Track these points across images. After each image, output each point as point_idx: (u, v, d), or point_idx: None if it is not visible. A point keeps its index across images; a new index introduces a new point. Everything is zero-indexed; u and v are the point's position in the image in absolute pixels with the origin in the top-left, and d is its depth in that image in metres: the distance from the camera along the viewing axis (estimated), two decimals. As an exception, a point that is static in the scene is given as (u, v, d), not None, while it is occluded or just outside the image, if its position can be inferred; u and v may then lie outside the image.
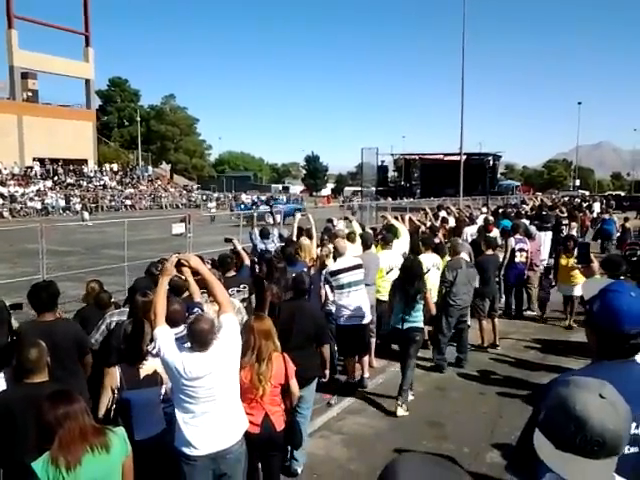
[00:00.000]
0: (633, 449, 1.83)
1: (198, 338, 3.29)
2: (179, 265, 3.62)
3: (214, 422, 3.33)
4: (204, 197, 55.13)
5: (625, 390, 1.86)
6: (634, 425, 1.83)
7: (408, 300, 6.21)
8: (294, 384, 4.05)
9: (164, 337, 3.35)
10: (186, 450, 3.30)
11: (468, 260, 8.04)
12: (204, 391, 3.28)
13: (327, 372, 5.28)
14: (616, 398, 1.40)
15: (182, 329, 3.71)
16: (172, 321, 3.53)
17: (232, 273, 6.53)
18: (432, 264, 7.85)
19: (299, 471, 4.88)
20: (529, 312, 10.41)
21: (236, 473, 3.46)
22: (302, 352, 4.74)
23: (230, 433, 3.40)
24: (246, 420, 3.61)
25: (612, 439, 1.36)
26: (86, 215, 33.21)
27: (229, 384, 3.43)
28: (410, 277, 6.23)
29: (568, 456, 1.39)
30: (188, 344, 3.36)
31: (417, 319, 6.30)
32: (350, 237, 8.16)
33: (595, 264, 6.44)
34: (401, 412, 6.08)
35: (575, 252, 8.36)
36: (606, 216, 18.52)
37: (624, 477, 1.78)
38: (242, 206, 36.30)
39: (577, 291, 9.10)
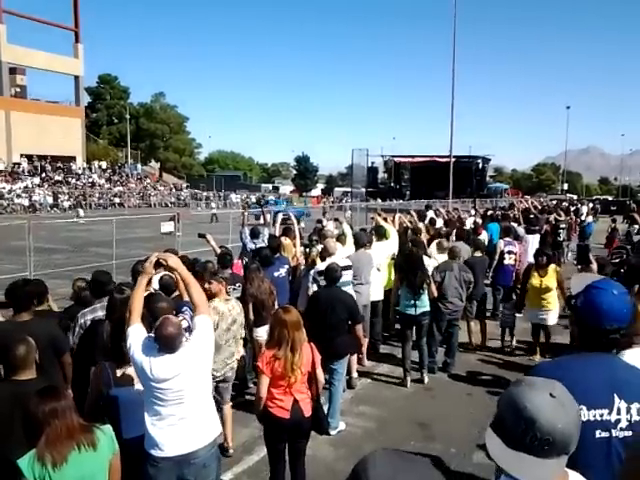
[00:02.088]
0: (604, 434, 1.91)
1: (165, 341, 3.24)
2: (158, 265, 3.59)
3: (181, 425, 3.28)
4: (197, 196, 55.06)
5: (599, 378, 1.95)
6: (607, 411, 1.91)
7: (415, 289, 6.91)
8: (320, 372, 4.27)
9: (135, 336, 3.30)
10: (152, 452, 3.26)
11: (462, 264, 7.98)
12: (172, 393, 3.23)
13: (363, 347, 6.19)
14: (566, 397, 1.43)
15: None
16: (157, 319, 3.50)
17: (229, 271, 6.56)
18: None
19: (334, 433, 5.55)
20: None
21: (203, 479, 3.39)
22: (336, 332, 5.66)
23: (198, 437, 3.34)
24: (218, 426, 3.58)
25: (561, 438, 1.38)
26: (81, 212, 33.08)
27: (199, 387, 3.38)
28: (412, 268, 6.92)
29: (519, 455, 1.40)
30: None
31: (425, 303, 7.07)
32: (340, 239, 8.18)
33: (594, 265, 6.47)
34: (427, 379, 7.09)
35: (550, 270, 7.56)
36: (589, 219, 19.02)
37: (601, 463, 1.84)
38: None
39: (552, 319, 7.78)
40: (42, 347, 4.05)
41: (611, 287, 2.07)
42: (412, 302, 6.96)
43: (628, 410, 1.90)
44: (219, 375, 5.12)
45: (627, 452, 1.67)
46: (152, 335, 3.30)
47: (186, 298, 3.98)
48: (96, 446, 2.61)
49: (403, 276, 7.07)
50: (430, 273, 7.44)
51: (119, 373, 3.52)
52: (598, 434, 1.91)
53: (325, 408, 5.20)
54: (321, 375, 4.30)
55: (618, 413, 1.91)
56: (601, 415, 1.91)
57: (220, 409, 5.37)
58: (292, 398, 4.04)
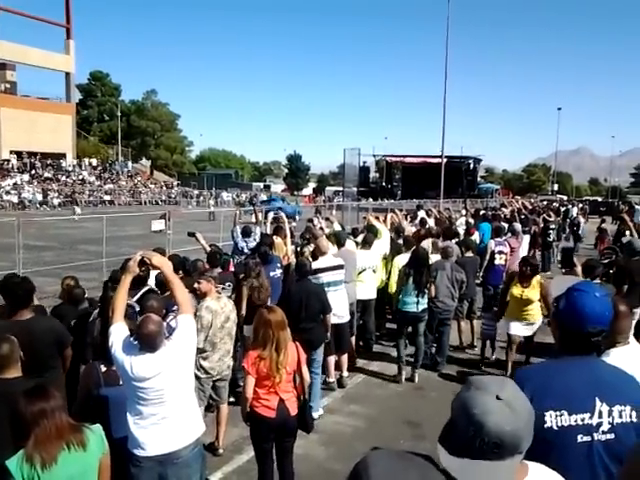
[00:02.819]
0: (586, 438, 1.90)
1: (146, 340, 3.23)
2: (142, 263, 3.56)
3: (163, 424, 3.28)
4: (189, 194, 54.87)
5: (580, 382, 1.95)
6: (589, 415, 1.91)
7: (422, 287, 7.12)
8: (305, 371, 4.29)
9: (117, 335, 3.29)
10: (135, 451, 3.26)
11: (455, 263, 8.00)
12: (153, 393, 3.22)
13: (328, 334, 6.35)
14: (514, 398, 1.41)
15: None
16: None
17: (218, 270, 6.54)
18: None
19: (316, 416, 5.78)
20: None
21: (186, 479, 3.37)
22: (312, 323, 6.00)
23: (180, 436, 3.33)
24: (201, 425, 3.57)
25: (511, 440, 1.37)
26: (77, 210, 32.79)
27: (181, 386, 3.37)
28: (419, 266, 7.14)
29: (470, 462, 1.39)
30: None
31: (426, 300, 7.29)
32: (330, 238, 8.19)
33: (578, 268, 6.49)
34: (417, 378, 7.19)
35: (533, 282, 6.95)
36: (582, 220, 19.08)
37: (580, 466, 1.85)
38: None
39: (530, 332, 7.17)
40: (48, 343, 4.06)
41: (593, 290, 2.07)
42: (415, 299, 7.10)
43: (610, 413, 1.90)
44: (216, 374, 5.11)
45: (628, 455, 1.66)
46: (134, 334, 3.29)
47: None
48: (86, 446, 2.59)
49: (409, 274, 7.12)
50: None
51: (109, 372, 3.50)
52: (580, 438, 1.91)
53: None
54: (306, 374, 4.32)
55: (600, 416, 1.90)
56: (582, 419, 1.91)
57: (218, 409, 5.37)
58: (278, 397, 4.05)
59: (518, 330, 7.13)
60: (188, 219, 21.79)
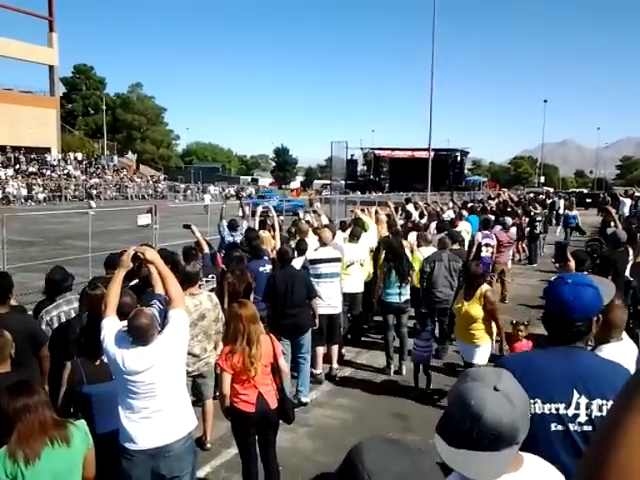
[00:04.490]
0: (560, 427, 1.93)
1: (137, 332, 3.23)
2: (135, 258, 3.57)
3: (154, 418, 3.28)
4: (175, 188, 54.61)
5: (558, 372, 1.98)
6: (564, 405, 1.93)
7: (403, 277, 7.05)
8: (282, 362, 4.29)
9: (109, 328, 3.29)
10: (126, 445, 3.26)
11: (451, 253, 7.97)
12: (144, 386, 3.23)
13: (317, 321, 6.39)
14: (511, 390, 1.42)
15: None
16: (122, 314, 3.46)
17: (200, 264, 6.50)
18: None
19: (305, 401, 6.15)
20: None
21: (178, 472, 3.38)
22: (300, 309, 6.11)
23: (172, 430, 3.33)
24: (193, 419, 3.57)
25: (509, 432, 1.38)
26: (93, 204, 32.57)
27: (172, 380, 3.38)
28: (397, 256, 7.08)
29: (467, 453, 1.40)
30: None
31: (408, 291, 7.23)
32: (316, 231, 8.22)
33: (572, 263, 6.23)
34: (404, 371, 7.07)
35: (477, 294, 5.72)
36: (573, 212, 19.11)
37: (566, 454, 1.87)
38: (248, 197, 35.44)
39: (479, 357, 5.70)
40: (20, 341, 3.99)
41: (578, 279, 2.11)
42: (398, 291, 7.09)
43: (588, 406, 1.91)
44: (192, 370, 5.09)
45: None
46: (126, 327, 3.27)
47: (157, 291, 3.93)
48: (70, 441, 2.57)
49: (390, 266, 7.11)
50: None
51: (92, 369, 3.48)
52: (554, 427, 1.94)
53: (294, 383, 6.04)
54: (284, 365, 4.35)
55: (577, 408, 1.92)
56: (557, 409, 1.93)
57: (202, 404, 5.36)
58: (257, 391, 4.06)
59: (468, 354, 5.88)
60: (178, 213, 21.71)
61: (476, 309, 5.71)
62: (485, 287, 5.82)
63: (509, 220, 11.79)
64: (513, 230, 12.01)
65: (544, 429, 1.92)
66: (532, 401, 1.93)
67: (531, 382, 1.93)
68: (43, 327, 4.54)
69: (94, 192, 43.94)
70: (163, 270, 3.56)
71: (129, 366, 3.20)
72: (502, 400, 1.38)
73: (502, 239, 10.86)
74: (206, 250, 7.20)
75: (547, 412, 1.93)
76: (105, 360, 3.49)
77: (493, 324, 5.81)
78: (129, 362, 3.20)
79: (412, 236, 9.11)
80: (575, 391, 1.92)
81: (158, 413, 3.29)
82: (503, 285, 11.04)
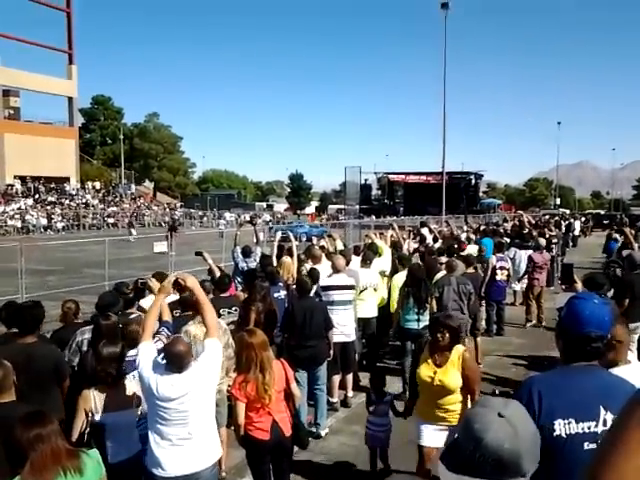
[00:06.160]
0: (592, 445, 1.93)
1: (173, 359, 3.27)
2: (176, 284, 3.65)
3: (184, 445, 3.29)
4: (192, 215, 55.25)
5: (586, 391, 1.99)
6: (594, 423, 1.95)
7: (422, 303, 6.97)
8: (295, 387, 4.29)
9: (145, 353, 3.34)
10: (154, 471, 3.27)
11: (460, 276, 7.88)
12: (176, 413, 3.25)
13: (331, 352, 6.32)
14: (517, 418, 1.41)
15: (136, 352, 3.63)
16: (131, 340, 3.49)
17: (227, 294, 6.53)
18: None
19: (323, 434, 6.07)
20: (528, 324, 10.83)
21: None
22: (317, 341, 6.06)
23: (200, 458, 3.34)
24: (219, 448, 3.58)
25: (509, 458, 1.36)
26: (134, 232, 32.78)
27: (203, 409, 3.39)
28: (415, 281, 7.00)
29: (468, 479, 1.38)
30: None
31: (427, 317, 6.87)
32: (328, 256, 8.19)
33: (578, 284, 6.07)
34: None
35: (452, 356, 4.19)
36: (617, 235, 17.84)
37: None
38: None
39: (441, 439, 4.02)
40: (48, 370, 4.06)
41: (592, 297, 2.14)
42: (416, 317, 7.01)
43: None
44: None
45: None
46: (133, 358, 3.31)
47: (165, 318, 3.96)
48: (82, 471, 2.57)
49: (409, 291, 7.05)
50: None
51: (106, 399, 3.50)
52: (587, 446, 1.94)
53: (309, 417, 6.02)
54: (296, 389, 4.33)
55: (604, 424, 1.94)
56: (589, 427, 1.95)
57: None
58: (271, 418, 4.02)
59: (431, 439, 4.25)
60: (194, 239, 21.89)
61: (452, 377, 4.19)
62: (460, 347, 4.34)
63: (542, 241, 11.62)
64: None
65: (578, 449, 1.93)
66: (567, 421, 1.96)
67: (564, 402, 1.98)
68: (74, 346, 4.58)
69: (134, 220, 44.14)
70: (202, 299, 3.62)
71: (162, 392, 3.22)
72: (505, 426, 1.38)
73: (537, 260, 10.74)
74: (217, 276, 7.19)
75: (581, 431, 1.95)
76: (127, 387, 3.53)
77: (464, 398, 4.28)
78: (162, 388, 3.23)
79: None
80: (602, 408, 1.95)
81: (188, 441, 3.30)
82: (540, 308, 10.95)
